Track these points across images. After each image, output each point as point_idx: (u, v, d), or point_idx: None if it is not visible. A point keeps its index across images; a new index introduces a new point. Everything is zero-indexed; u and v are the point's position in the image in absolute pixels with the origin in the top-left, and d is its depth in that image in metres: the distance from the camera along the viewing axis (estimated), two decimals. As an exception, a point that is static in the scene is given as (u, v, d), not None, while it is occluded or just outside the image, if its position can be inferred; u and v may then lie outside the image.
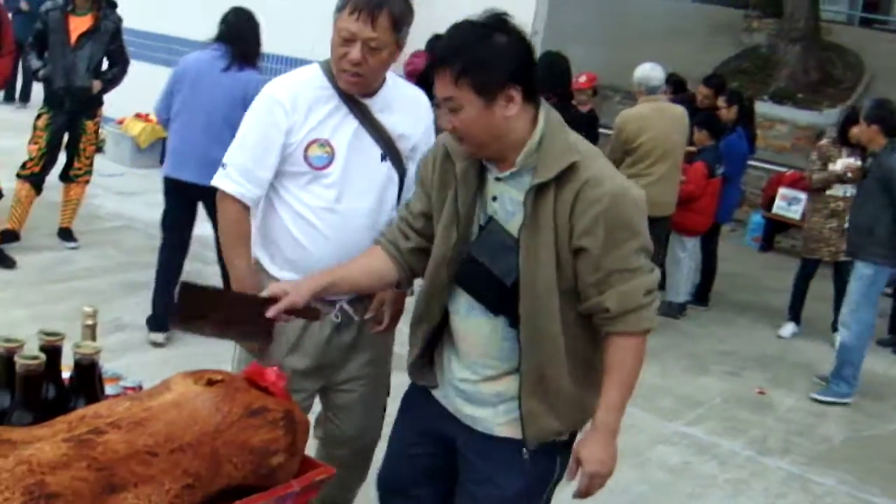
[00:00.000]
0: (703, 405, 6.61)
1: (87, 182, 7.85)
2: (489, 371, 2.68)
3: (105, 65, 7.63)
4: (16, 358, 2.38)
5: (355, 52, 3.10)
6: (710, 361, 7.56)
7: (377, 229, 3.22)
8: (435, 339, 2.85)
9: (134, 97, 10.21)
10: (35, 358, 2.38)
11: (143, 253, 7.74)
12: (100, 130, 7.93)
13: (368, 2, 3.05)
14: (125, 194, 9.75)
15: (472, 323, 2.69)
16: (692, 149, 8.20)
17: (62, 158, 7.73)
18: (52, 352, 2.51)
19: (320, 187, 3.26)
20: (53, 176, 7.76)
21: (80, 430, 2.14)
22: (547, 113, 2.60)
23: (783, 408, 6.83)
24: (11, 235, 7.52)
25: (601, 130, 8.95)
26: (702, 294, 8.99)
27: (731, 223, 11.10)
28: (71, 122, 7.47)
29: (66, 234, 7.89)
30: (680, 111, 7.79)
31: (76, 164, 7.68)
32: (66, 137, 7.59)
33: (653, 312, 2.58)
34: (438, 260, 2.72)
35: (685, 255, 8.49)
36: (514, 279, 2.56)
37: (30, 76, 12.18)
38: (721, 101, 9.02)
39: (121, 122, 11.41)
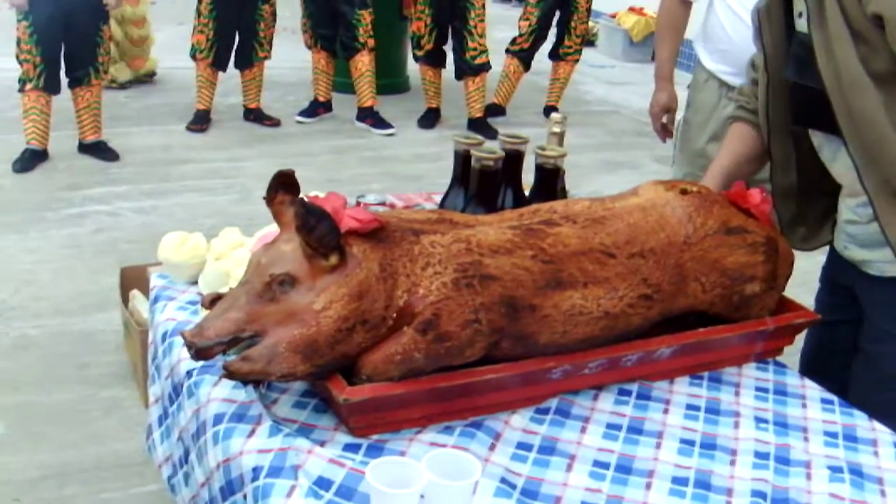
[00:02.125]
0: None
1: (577, 61, 7.75)
2: (870, 208, 2.15)
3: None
4: (472, 151, 2.21)
5: None
6: None
7: None
8: (808, 196, 2.41)
9: (630, -10, 10.09)
10: (492, 152, 2.20)
11: (629, 136, 7.57)
12: (591, 9, 7.76)
13: None
14: (614, 83, 9.63)
15: (839, 159, 2.19)
16: None
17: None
18: (513, 155, 2.32)
19: None
20: (539, 62, 7.71)
21: (530, 220, 1.92)
22: None
23: None
24: (498, 109, 7.61)
25: None
26: None
27: None
28: (562, 0, 7.36)
29: (551, 111, 7.83)
30: None
31: (566, 42, 7.60)
32: (556, 15, 7.50)
33: None
34: (772, 106, 2.32)
35: None
36: (820, 85, 2.09)
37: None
38: None
39: (614, 16, 11.30)
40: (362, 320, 1.66)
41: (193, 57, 6.87)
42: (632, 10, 11.12)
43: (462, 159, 2.30)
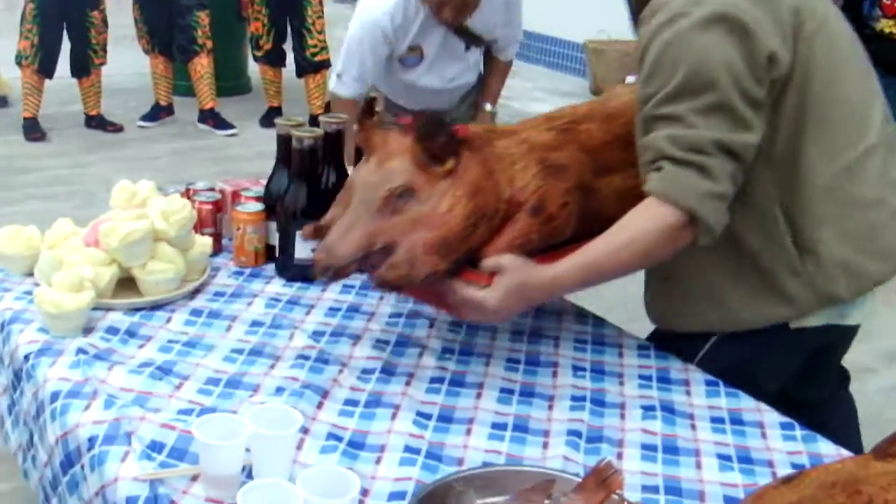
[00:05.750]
0: None
1: None
2: None
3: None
4: (292, 132, 2.31)
5: (448, 11, 3.30)
6: None
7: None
8: None
9: None
10: (311, 132, 2.30)
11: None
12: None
13: None
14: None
15: None
16: None
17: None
18: (333, 134, 2.41)
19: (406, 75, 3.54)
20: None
21: (557, 122, 2.12)
22: None
23: None
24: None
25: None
26: None
27: None
28: None
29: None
30: None
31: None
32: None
33: None
34: None
35: None
36: None
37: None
38: None
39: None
40: (482, 215, 1.85)
41: (19, 64, 6.75)
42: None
43: (284, 141, 2.38)
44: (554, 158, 1.98)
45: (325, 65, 7.18)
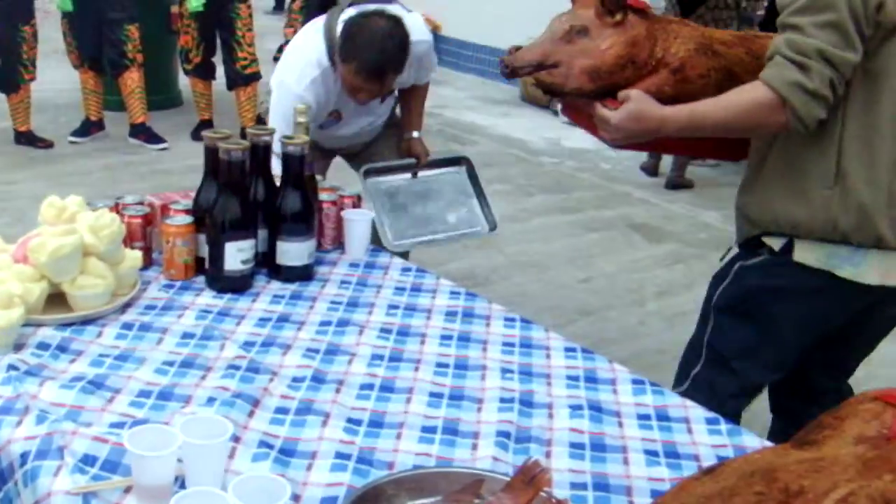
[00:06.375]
0: None
1: None
2: None
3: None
4: (219, 144, 2.32)
5: (363, 95, 3.37)
6: None
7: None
8: None
9: None
10: (238, 144, 2.32)
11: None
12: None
13: (372, 70, 3.22)
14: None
15: None
16: None
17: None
18: (260, 146, 2.45)
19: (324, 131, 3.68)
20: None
21: (739, 32, 2.49)
22: None
23: None
24: (272, 117, 7.65)
25: None
26: None
27: None
28: (324, 5, 7.44)
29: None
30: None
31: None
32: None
33: None
34: None
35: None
36: None
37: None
38: None
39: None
40: (632, 60, 2.32)
41: None
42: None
43: (211, 153, 2.39)
44: (716, 47, 2.39)
45: (256, 77, 7.17)
